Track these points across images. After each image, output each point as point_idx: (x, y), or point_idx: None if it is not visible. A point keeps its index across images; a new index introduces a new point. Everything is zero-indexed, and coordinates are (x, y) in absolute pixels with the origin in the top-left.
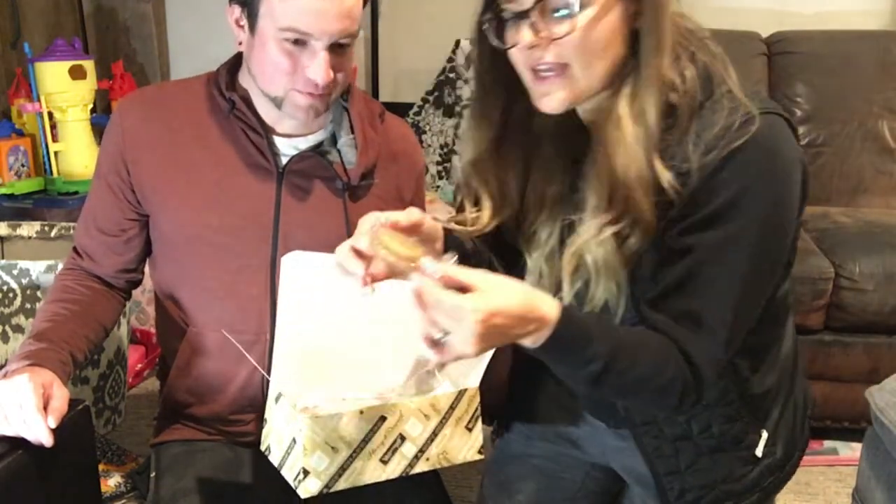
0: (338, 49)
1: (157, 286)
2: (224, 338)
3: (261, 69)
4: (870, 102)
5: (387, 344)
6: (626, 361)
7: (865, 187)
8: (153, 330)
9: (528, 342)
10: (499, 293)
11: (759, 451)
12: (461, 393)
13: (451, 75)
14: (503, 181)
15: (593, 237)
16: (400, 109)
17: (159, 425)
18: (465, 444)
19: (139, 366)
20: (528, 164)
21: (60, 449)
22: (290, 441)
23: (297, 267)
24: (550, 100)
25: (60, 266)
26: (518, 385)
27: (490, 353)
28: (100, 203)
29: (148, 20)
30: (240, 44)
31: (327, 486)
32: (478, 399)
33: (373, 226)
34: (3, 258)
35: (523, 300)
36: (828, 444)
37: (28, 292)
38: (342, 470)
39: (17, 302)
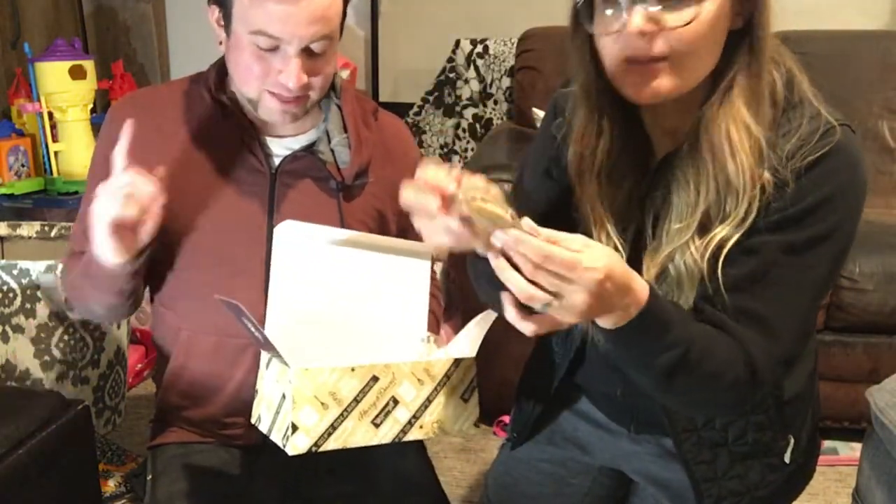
0: (311, 53)
1: (152, 290)
2: (219, 341)
3: (236, 71)
4: (870, 102)
5: (382, 317)
6: (700, 353)
7: None
8: None
9: (611, 321)
10: (607, 254)
11: (787, 458)
12: (457, 361)
13: (451, 75)
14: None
15: (682, 246)
16: (400, 109)
17: (155, 428)
18: (460, 415)
19: (139, 366)
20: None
21: (60, 449)
22: (280, 398)
23: (291, 237)
24: (650, 89)
25: (61, 266)
26: (528, 388)
27: (488, 325)
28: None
29: (148, 20)
30: (220, 43)
31: (316, 444)
32: (474, 370)
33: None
34: (3, 258)
35: (625, 269)
36: (828, 444)
37: (28, 292)
38: (332, 428)
39: (17, 302)
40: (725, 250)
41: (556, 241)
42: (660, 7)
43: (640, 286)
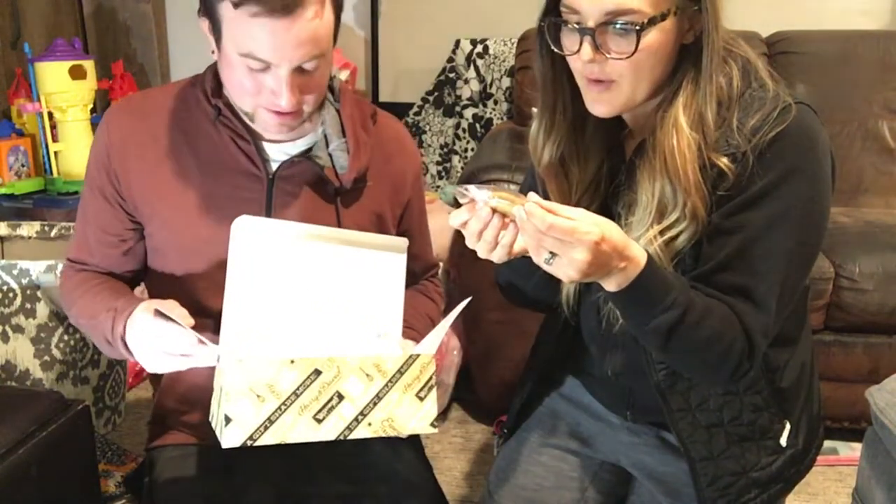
0: (303, 71)
1: (151, 295)
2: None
3: (229, 86)
4: (870, 102)
5: (354, 315)
6: (698, 315)
7: (865, 187)
8: None
9: (614, 284)
10: (602, 221)
11: (783, 441)
12: (412, 357)
13: (451, 75)
14: (580, 172)
15: (643, 235)
16: (400, 109)
17: (153, 430)
18: (414, 413)
19: (139, 366)
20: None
21: (60, 449)
22: (219, 391)
23: (248, 233)
24: (602, 105)
25: (61, 266)
26: (530, 384)
27: (449, 322)
28: (97, 215)
29: (148, 20)
30: (213, 52)
31: (251, 437)
32: (432, 368)
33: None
34: (3, 258)
35: (621, 235)
36: (828, 444)
37: (28, 292)
38: (269, 422)
39: (17, 302)
40: (683, 237)
41: (554, 210)
42: (605, 38)
43: (638, 252)
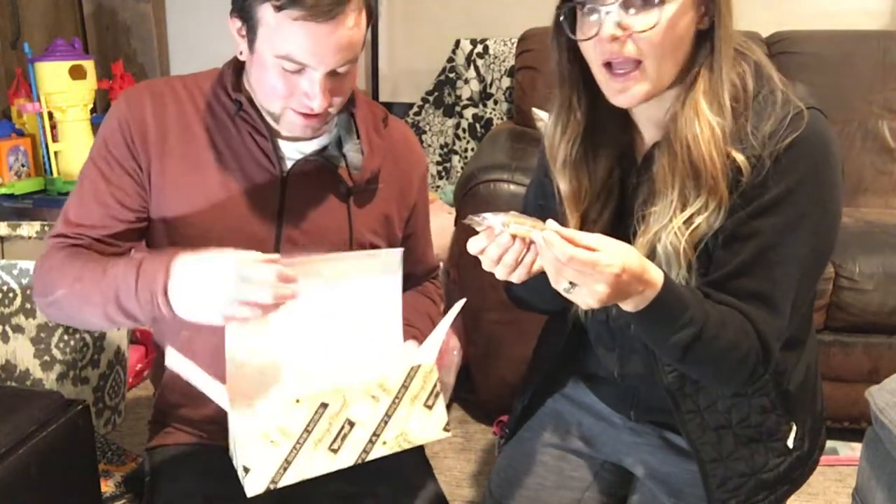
0: (336, 74)
1: None
2: (219, 342)
3: (259, 87)
4: (870, 102)
5: (344, 344)
6: (714, 329)
7: (865, 187)
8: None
9: (631, 306)
10: (622, 251)
11: (790, 443)
12: (413, 370)
13: (451, 75)
14: (590, 178)
15: (665, 226)
16: (400, 109)
17: (153, 429)
18: (426, 423)
19: (139, 366)
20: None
21: (60, 449)
22: (233, 442)
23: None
24: (627, 95)
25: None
26: (533, 385)
27: (446, 326)
28: (112, 181)
29: (148, 20)
30: (240, 53)
31: (273, 481)
32: (435, 375)
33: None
34: (3, 258)
35: (640, 260)
36: (828, 444)
37: (28, 292)
38: (287, 463)
39: (17, 302)
40: (703, 225)
41: (572, 239)
42: (627, 14)
43: (656, 274)
